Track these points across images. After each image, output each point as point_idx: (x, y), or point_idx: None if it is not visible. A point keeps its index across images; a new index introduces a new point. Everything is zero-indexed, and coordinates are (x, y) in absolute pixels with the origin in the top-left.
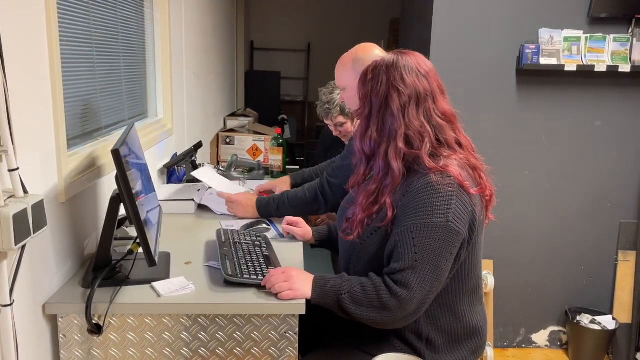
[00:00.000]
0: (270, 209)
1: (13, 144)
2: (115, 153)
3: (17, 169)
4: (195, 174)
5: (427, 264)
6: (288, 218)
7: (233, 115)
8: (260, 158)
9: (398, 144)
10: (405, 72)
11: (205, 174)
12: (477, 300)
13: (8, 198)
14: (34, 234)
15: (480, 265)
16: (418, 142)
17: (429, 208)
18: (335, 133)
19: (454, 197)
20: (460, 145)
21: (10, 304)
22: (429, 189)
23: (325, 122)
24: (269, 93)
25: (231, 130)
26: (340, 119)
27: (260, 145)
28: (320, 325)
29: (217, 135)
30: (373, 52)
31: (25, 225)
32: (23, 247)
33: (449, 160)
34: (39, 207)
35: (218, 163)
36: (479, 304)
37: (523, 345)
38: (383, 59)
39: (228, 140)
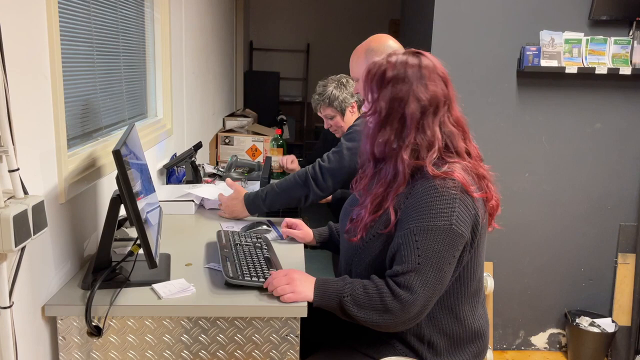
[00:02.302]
0: (257, 201)
1: (13, 144)
2: (117, 154)
3: (18, 169)
4: (193, 192)
5: (430, 267)
6: (288, 220)
7: (232, 115)
8: (259, 158)
9: (407, 152)
10: (424, 76)
11: (199, 189)
12: (479, 303)
13: (8, 199)
14: (34, 235)
15: (482, 268)
16: (425, 152)
17: (432, 211)
18: (326, 126)
19: (457, 199)
20: (469, 154)
21: (10, 306)
22: (432, 191)
23: (318, 114)
24: (267, 93)
25: (230, 130)
26: (329, 111)
27: (260, 145)
28: (322, 328)
29: (216, 135)
30: (386, 43)
31: (25, 226)
32: (23, 249)
33: (453, 166)
34: (39, 208)
35: (217, 163)
36: (481, 307)
37: (522, 348)
38: (403, 62)
39: (227, 140)
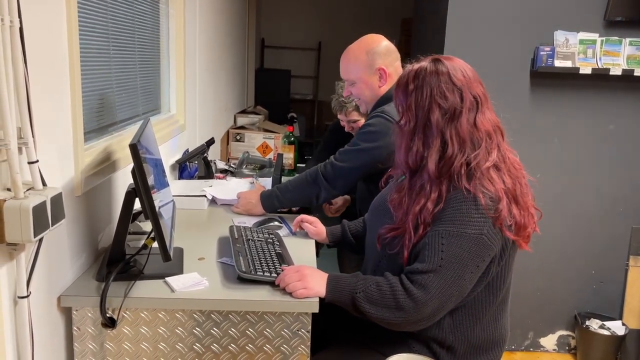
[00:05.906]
0: (272, 197)
1: (33, 136)
2: (133, 147)
3: (37, 161)
4: (208, 190)
5: (450, 271)
6: (304, 216)
7: (243, 112)
8: (270, 155)
9: (432, 161)
10: (442, 82)
11: (214, 188)
12: (504, 312)
13: (27, 190)
14: (52, 226)
15: (511, 277)
16: (455, 161)
17: (465, 218)
18: (347, 129)
19: (490, 220)
20: (504, 162)
21: (27, 296)
22: (471, 203)
23: (339, 116)
24: (278, 91)
25: (241, 127)
26: (354, 115)
27: (270, 142)
28: (332, 322)
29: (228, 132)
30: (382, 43)
31: (44, 217)
32: (41, 240)
33: (494, 184)
34: (57, 200)
35: (228, 160)
36: (505, 316)
37: (531, 349)
38: (423, 70)
39: (238, 137)
